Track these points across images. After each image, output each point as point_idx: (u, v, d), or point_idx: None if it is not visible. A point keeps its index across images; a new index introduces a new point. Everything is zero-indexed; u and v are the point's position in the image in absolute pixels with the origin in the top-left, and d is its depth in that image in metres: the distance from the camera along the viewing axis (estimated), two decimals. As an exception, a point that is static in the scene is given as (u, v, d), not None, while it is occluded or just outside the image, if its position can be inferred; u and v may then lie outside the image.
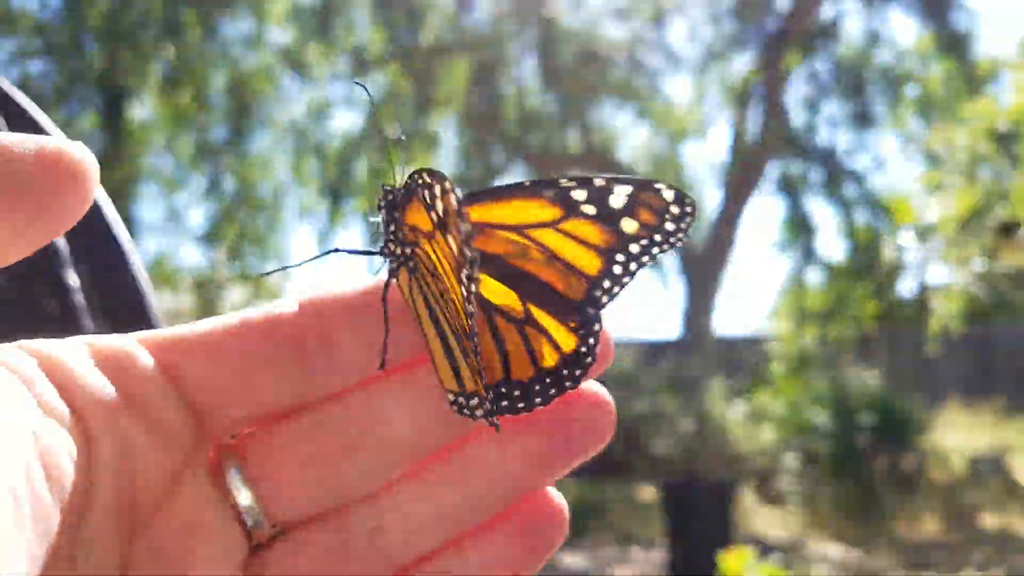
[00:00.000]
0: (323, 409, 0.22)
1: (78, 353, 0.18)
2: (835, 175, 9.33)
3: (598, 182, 0.24)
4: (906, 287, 13.44)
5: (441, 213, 0.20)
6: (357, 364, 0.21)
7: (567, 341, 0.23)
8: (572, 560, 5.13)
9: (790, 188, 9.37)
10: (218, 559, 0.20)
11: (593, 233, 0.24)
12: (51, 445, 0.16)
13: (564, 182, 0.24)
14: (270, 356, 0.20)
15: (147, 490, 0.18)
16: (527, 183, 0.23)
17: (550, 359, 0.23)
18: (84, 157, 0.17)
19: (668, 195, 0.24)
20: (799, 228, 9.36)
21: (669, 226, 0.24)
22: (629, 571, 4.86)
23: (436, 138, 9.04)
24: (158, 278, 8.64)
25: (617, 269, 0.24)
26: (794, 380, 7.46)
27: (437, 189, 0.20)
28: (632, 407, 5.62)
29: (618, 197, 0.24)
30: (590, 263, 0.24)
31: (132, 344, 0.20)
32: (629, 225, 0.24)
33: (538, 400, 0.22)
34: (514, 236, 0.24)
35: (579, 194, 0.24)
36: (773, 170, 9.27)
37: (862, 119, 9.36)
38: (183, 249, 9.09)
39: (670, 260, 10.22)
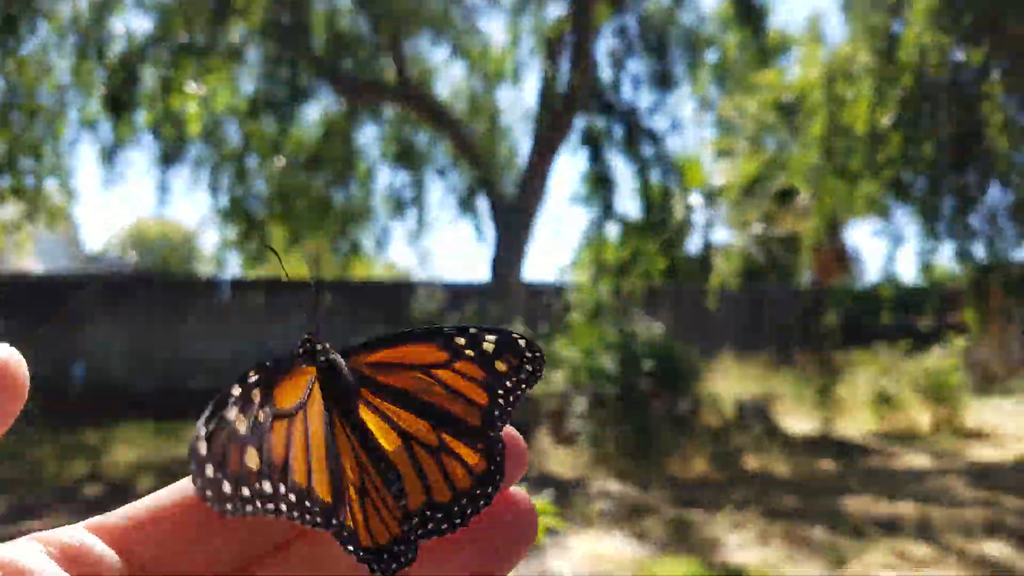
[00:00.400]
0: (273, 564, 0.24)
1: (36, 555, 0.21)
2: (634, 133, 9.67)
3: (472, 331, 0.29)
4: (692, 245, 14.37)
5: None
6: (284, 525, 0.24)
7: (478, 464, 0.27)
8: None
9: (593, 143, 9.63)
10: None
11: (476, 371, 0.28)
12: None
13: (446, 330, 0.28)
14: (210, 527, 0.23)
15: None
16: (417, 331, 0.28)
17: (465, 481, 0.26)
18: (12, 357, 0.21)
19: (522, 343, 0.29)
20: (599, 183, 9.69)
21: (528, 367, 0.29)
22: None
23: (237, 51, 8.47)
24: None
25: (500, 400, 0.28)
26: (589, 328, 7.77)
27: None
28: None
29: (488, 344, 0.29)
30: (480, 395, 0.28)
31: (85, 535, 0.22)
32: (501, 365, 0.28)
33: (458, 521, 0.26)
34: (418, 374, 0.28)
35: (460, 340, 0.28)
36: (579, 123, 9.46)
37: (663, 79, 9.73)
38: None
39: (483, 207, 10.32)
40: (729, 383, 9.10)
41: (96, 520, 0.23)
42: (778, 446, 6.50)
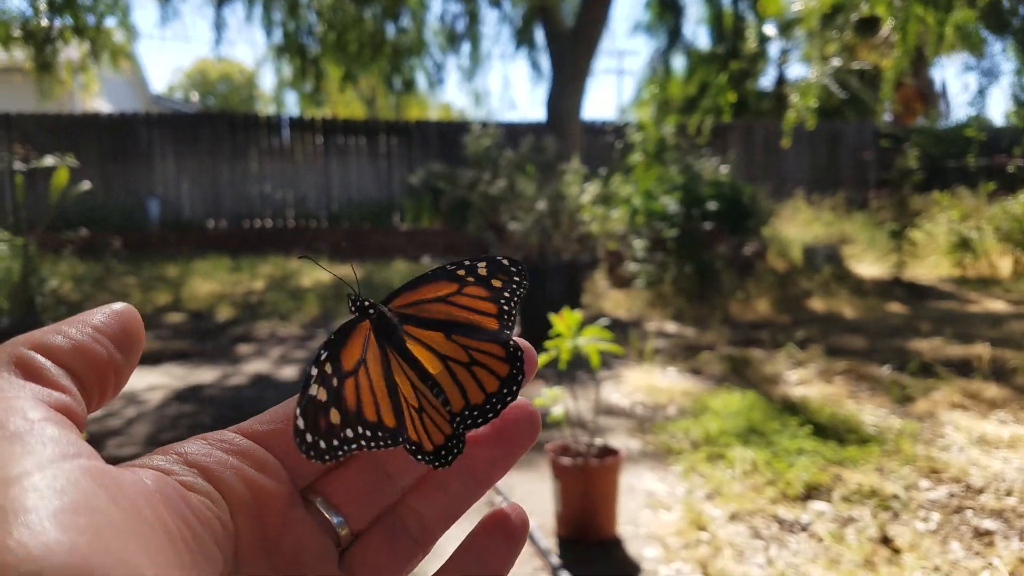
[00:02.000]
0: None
1: (218, 453, 0.27)
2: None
3: (467, 262, 0.34)
4: (765, 79, 13.66)
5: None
6: None
7: (501, 368, 0.33)
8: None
9: (659, -34, 9.01)
10: (323, 561, 0.28)
11: (481, 291, 0.34)
12: (204, 511, 0.24)
13: (448, 266, 0.34)
14: None
15: (274, 521, 0.27)
16: (430, 273, 0.34)
17: (493, 384, 0.33)
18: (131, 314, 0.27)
19: (506, 263, 0.35)
20: (665, 8, 9.12)
21: (515, 279, 0.35)
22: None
23: None
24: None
25: (504, 308, 0.34)
26: (650, 168, 7.50)
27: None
28: (491, 187, 5.50)
29: (482, 269, 0.34)
30: (489, 307, 0.34)
31: (240, 438, 0.28)
32: (496, 283, 0.34)
33: (491, 415, 0.32)
34: (440, 305, 0.34)
35: (461, 272, 0.34)
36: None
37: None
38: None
39: (539, 39, 9.85)
40: (799, 226, 8.82)
41: (242, 426, 0.29)
42: (847, 289, 6.29)
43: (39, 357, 0.24)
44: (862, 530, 2.11)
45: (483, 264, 0.35)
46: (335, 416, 0.29)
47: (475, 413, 0.32)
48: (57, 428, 0.22)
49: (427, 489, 0.31)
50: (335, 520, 0.29)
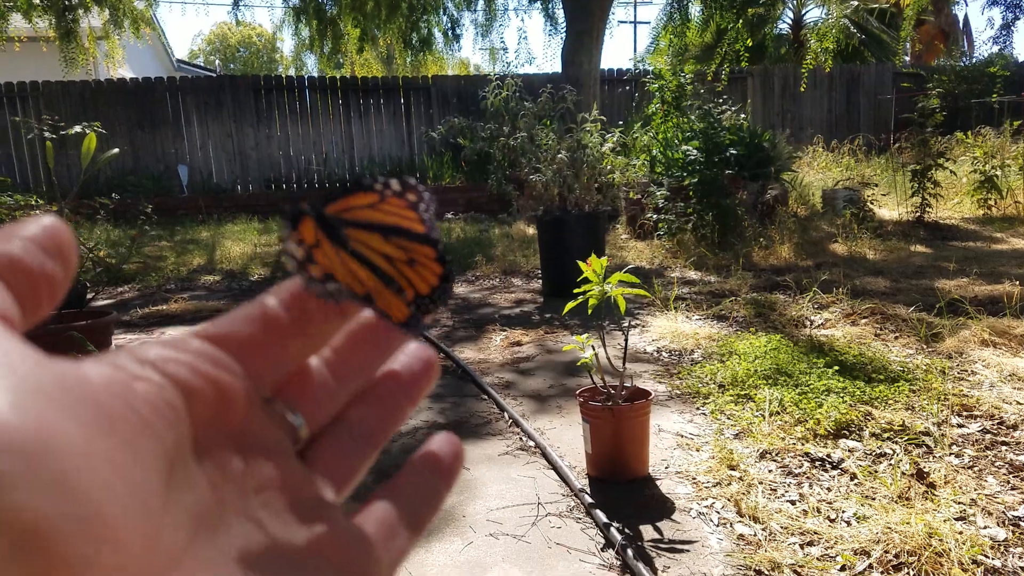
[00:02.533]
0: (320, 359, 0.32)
1: (157, 348, 0.26)
2: None
3: (380, 179, 0.34)
4: (782, 23, 13.41)
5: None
6: (325, 319, 0.31)
7: (436, 268, 0.35)
8: (461, 290, 5.21)
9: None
10: (284, 456, 0.28)
11: (400, 204, 0.34)
12: (152, 395, 0.23)
13: (365, 181, 0.34)
14: (277, 332, 0.29)
15: (234, 416, 0.27)
16: (348, 185, 0.34)
17: (434, 279, 0.34)
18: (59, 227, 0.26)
19: (412, 182, 0.34)
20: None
21: (425, 195, 0.34)
22: (510, 296, 4.96)
23: None
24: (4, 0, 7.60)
25: (425, 218, 0.34)
26: (668, 117, 7.44)
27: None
28: (511, 139, 5.48)
29: (395, 185, 0.34)
30: (414, 220, 0.35)
31: (198, 341, 0.28)
32: (412, 196, 0.34)
33: (440, 302, 0.34)
34: (368, 213, 0.34)
35: (378, 186, 0.34)
36: None
37: None
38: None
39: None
40: (819, 170, 8.74)
41: (198, 328, 0.28)
42: (869, 232, 6.24)
43: None
44: (895, 466, 2.13)
45: (395, 182, 0.35)
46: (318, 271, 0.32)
47: (427, 299, 0.34)
48: None
49: (370, 399, 0.33)
50: (296, 421, 0.30)
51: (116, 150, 5.12)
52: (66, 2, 7.79)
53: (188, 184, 10.24)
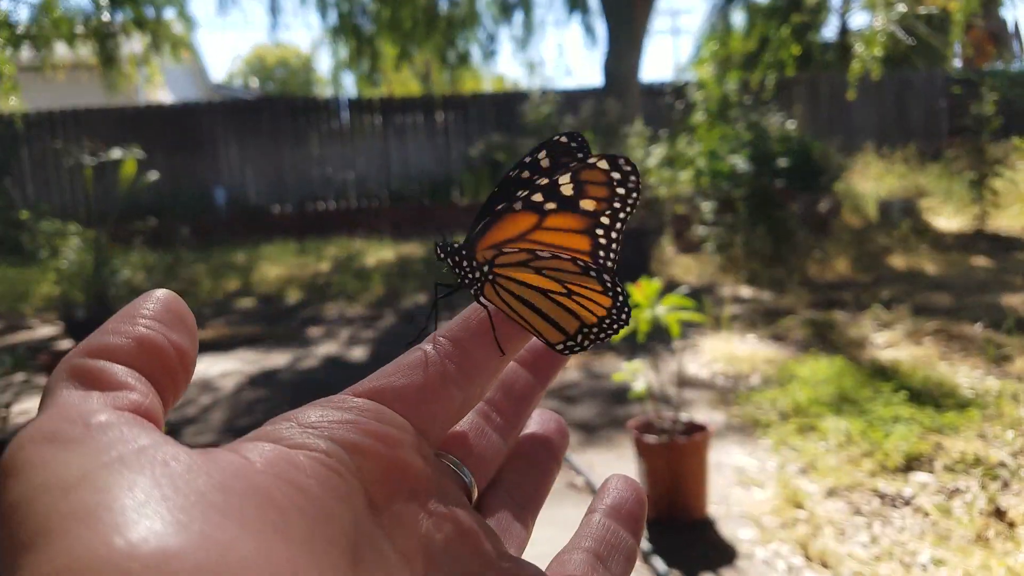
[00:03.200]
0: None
1: (318, 410, 0.25)
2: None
3: (542, 182, 0.29)
4: (828, 30, 13.17)
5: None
6: (487, 363, 0.29)
7: (605, 301, 0.30)
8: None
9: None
10: (465, 509, 0.26)
11: (567, 221, 0.30)
12: (318, 469, 0.22)
13: (520, 194, 0.30)
14: (440, 381, 0.27)
15: (408, 473, 0.25)
16: (498, 209, 0.30)
17: (599, 312, 0.30)
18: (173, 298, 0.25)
19: (603, 165, 0.29)
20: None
21: (620, 191, 0.29)
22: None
23: None
24: (49, 29, 7.75)
25: (601, 241, 0.30)
26: (714, 127, 7.29)
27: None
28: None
29: (565, 187, 0.29)
30: (580, 243, 0.30)
31: (365, 401, 0.26)
32: (588, 204, 0.29)
33: (603, 336, 0.31)
34: (523, 244, 0.30)
35: (537, 197, 0.30)
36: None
37: None
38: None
39: (592, 2, 9.62)
40: (872, 180, 8.50)
41: (355, 387, 0.27)
42: (927, 244, 6.02)
43: (97, 362, 0.22)
44: (970, 502, 1.98)
45: (567, 177, 0.30)
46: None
47: (591, 331, 0.31)
48: (125, 427, 0.19)
49: (521, 462, 0.31)
50: (467, 477, 0.28)
51: (155, 174, 5.13)
52: (109, 29, 7.92)
53: (226, 206, 10.31)
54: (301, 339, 4.53)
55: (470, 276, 0.31)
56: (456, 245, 0.32)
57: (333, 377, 3.66)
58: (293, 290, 6.22)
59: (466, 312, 0.30)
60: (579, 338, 0.31)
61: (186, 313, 0.24)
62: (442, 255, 0.32)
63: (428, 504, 0.25)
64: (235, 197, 10.48)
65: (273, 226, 9.71)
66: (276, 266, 7.33)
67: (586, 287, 0.30)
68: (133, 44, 9.20)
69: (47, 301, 5.73)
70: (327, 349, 4.27)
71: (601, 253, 0.31)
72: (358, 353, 4.17)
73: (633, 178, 0.29)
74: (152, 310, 0.23)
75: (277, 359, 4.07)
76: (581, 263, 0.30)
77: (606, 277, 0.30)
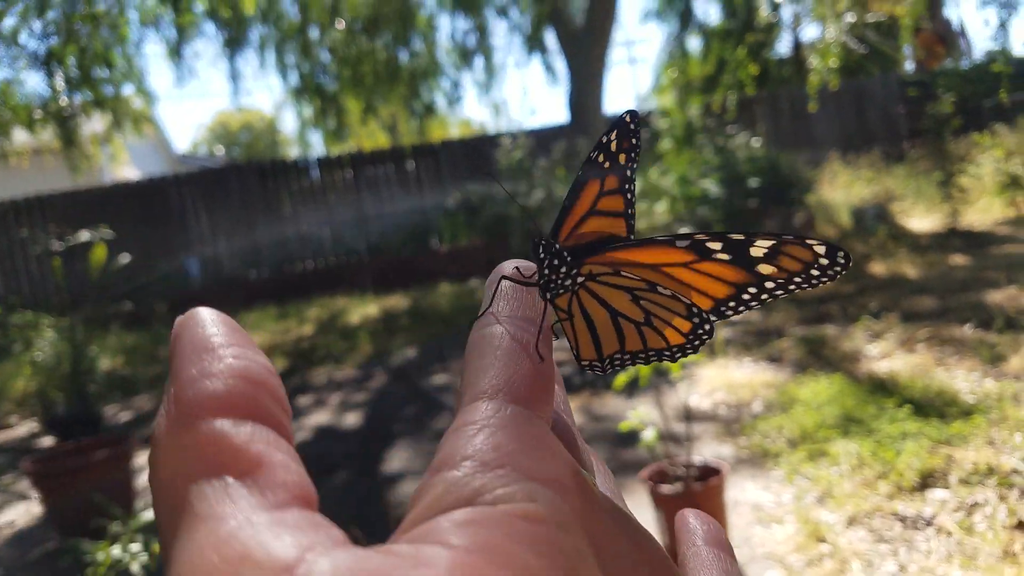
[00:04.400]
0: None
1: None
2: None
3: (735, 237, 0.29)
4: (782, 46, 13.38)
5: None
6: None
7: (684, 325, 0.30)
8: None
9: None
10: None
11: (725, 272, 0.29)
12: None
13: (699, 236, 0.29)
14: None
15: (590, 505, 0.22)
16: (660, 238, 0.30)
17: (674, 340, 0.31)
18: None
19: (820, 249, 0.29)
20: (675, -9, 8.97)
21: (814, 271, 0.29)
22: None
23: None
24: (7, 116, 7.71)
25: (746, 296, 0.30)
26: (681, 153, 7.36)
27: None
28: (529, 198, 5.42)
29: (759, 249, 0.29)
30: (719, 290, 0.30)
31: None
32: (766, 268, 0.29)
33: (663, 358, 0.31)
34: (649, 275, 0.30)
35: (715, 245, 0.29)
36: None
37: None
38: (22, 77, 8.06)
39: (552, 41, 9.74)
40: (841, 189, 8.60)
41: None
42: (904, 248, 6.08)
43: (221, 426, 0.18)
44: (991, 516, 1.97)
45: (768, 243, 0.29)
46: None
47: (651, 355, 0.31)
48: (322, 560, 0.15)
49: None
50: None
51: (126, 256, 5.07)
52: (68, 111, 7.90)
53: (200, 277, 10.23)
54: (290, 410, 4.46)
55: (557, 281, 0.30)
56: (559, 247, 0.31)
57: (328, 449, 3.61)
58: (277, 358, 6.14)
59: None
60: (607, 362, 0.31)
61: (234, 324, 0.21)
62: (542, 253, 0.31)
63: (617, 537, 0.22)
64: (209, 267, 10.39)
65: (251, 292, 9.63)
66: (257, 333, 7.25)
67: (671, 311, 0.30)
68: (94, 124, 9.19)
69: (24, 396, 5.61)
70: (318, 419, 4.20)
71: (733, 303, 0.30)
72: (351, 419, 4.12)
73: (838, 269, 0.29)
74: (224, 335, 0.20)
75: (272, 432, 4.00)
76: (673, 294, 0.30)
77: (692, 304, 0.30)
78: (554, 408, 0.26)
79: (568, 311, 0.31)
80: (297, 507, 0.17)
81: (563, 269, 0.30)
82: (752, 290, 0.29)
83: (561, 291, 0.30)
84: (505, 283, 0.29)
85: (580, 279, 0.30)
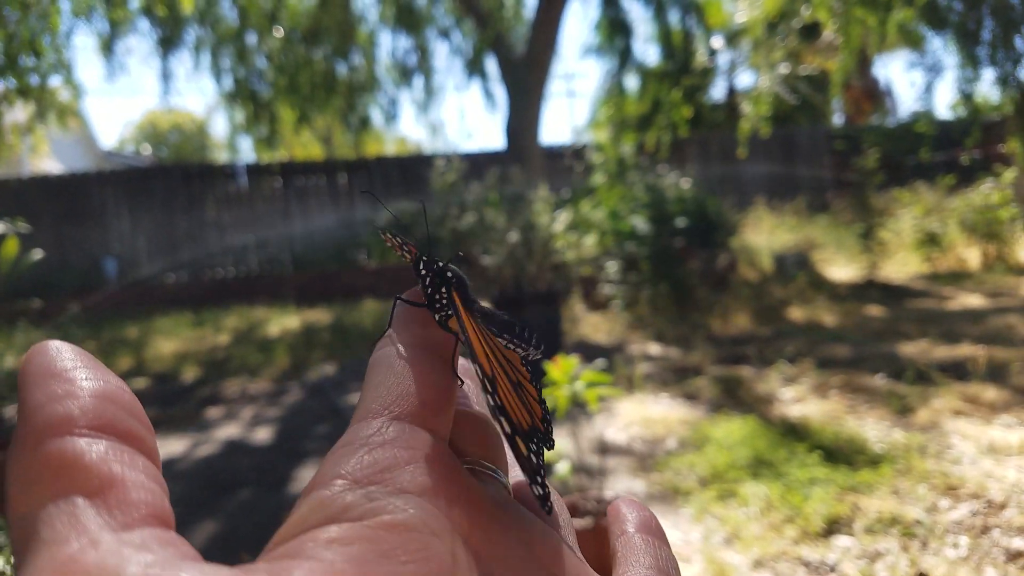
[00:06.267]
0: None
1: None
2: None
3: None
4: (716, 91, 13.73)
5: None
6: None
7: (537, 409, 0.28)
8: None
9: (605, -13, 8.98)
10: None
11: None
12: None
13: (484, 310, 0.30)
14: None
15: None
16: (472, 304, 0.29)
17: (528, 421, 0.27)
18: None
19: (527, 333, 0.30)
20: (614, 29, 9.08)
21: (532, 347, 0.30)
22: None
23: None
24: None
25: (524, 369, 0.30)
26: (613, 188, 7.43)
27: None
28: (460, 221, 5.39)
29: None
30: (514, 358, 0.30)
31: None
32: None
33: (545, 445, 0.27)
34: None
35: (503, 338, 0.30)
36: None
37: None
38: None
39: (492, 68, 9.79)
40: (765, 234, 8.81)
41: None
42: (823, 295, 6.24)
43: (73, 443, 0.17)
44: (893, 566, 2.00)
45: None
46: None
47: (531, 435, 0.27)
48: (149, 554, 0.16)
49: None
50: (503, 479, 0.26)
51: (39, 252, 4.86)
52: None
53: (117, 277, 9.88)
54: (199, 422, 4.30)
55: (441, 301, 0.28)
56: (441, 266, 0.29)
57: (236, 464, 3.48)
58: (190, 366, 5.93)
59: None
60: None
61: (86, 354, 0.21)
62: (423, 270, 0.29)
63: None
64: (127, 268, 10.06)
65: (168, 297, 9.34)
66: (171, 340, 7.01)
67: (530, 386, 0.29)
68: (16, 113, 8.85)
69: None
70: (228, 432, 4.06)
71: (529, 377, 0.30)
72: (263, 435, 3.99)
73: (535, 340, 0.30)
74: (73, 360, 0.20)
75: (173, 446, 3.85)
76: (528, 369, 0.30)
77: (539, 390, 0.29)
78: (466, 405, 0.27)
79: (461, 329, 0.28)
80: (149, 526, 0.17)
81: (443, 288, 0.28)
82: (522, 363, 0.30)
83: (450, 312, 0.28)
84: (400, 304, 0.28)
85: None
